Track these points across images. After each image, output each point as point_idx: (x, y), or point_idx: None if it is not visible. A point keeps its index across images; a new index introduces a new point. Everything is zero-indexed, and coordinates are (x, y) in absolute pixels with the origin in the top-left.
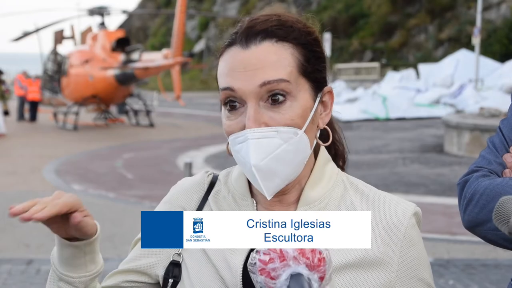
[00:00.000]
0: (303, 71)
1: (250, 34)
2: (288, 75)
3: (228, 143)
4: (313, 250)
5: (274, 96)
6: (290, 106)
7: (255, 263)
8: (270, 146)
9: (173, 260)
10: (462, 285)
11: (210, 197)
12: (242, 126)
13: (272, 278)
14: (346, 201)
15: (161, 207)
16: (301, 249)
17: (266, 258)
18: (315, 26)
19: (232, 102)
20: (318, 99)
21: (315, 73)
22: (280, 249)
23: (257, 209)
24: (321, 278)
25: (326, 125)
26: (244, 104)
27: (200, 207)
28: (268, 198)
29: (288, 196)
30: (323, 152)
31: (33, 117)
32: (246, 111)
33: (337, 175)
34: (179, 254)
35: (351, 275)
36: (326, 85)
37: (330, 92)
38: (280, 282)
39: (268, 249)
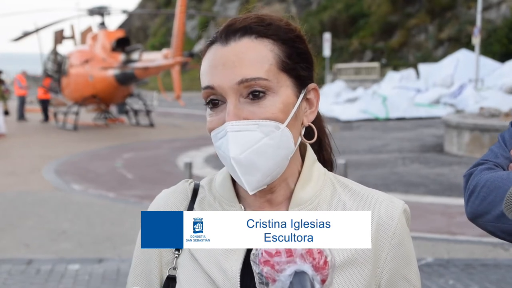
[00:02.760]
0: (283, 67)
1: (230, 31)
2: (266, 73)
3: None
4: (320, 252)
5: (254, 92)
6: (271, 100)
7: (260, 254)
8: (250, 139)
9: (169, 274)
10: (462, 285)
11: (195, 205)
12: (223, 122)
13: (276, 271)
14: (336, 200)
15: None
16: (309, 249)
17: (273, 250)
18: (298, 26)
19: (214, 100)
20: (301, 95)
21: (297, 69)
22: None
23: None
24: (323, 281)
25: (316, 127)
26: (225, 101)
27: None
28: (250, 193)
29: (276, 195)
30: (310, 152)
31: (45, 118)
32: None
33: (325, 175)
34: (174, 268)
35: (347, 273)
36: (311, 82)
37: (315, 89)
38: (284, 276)
39: None
